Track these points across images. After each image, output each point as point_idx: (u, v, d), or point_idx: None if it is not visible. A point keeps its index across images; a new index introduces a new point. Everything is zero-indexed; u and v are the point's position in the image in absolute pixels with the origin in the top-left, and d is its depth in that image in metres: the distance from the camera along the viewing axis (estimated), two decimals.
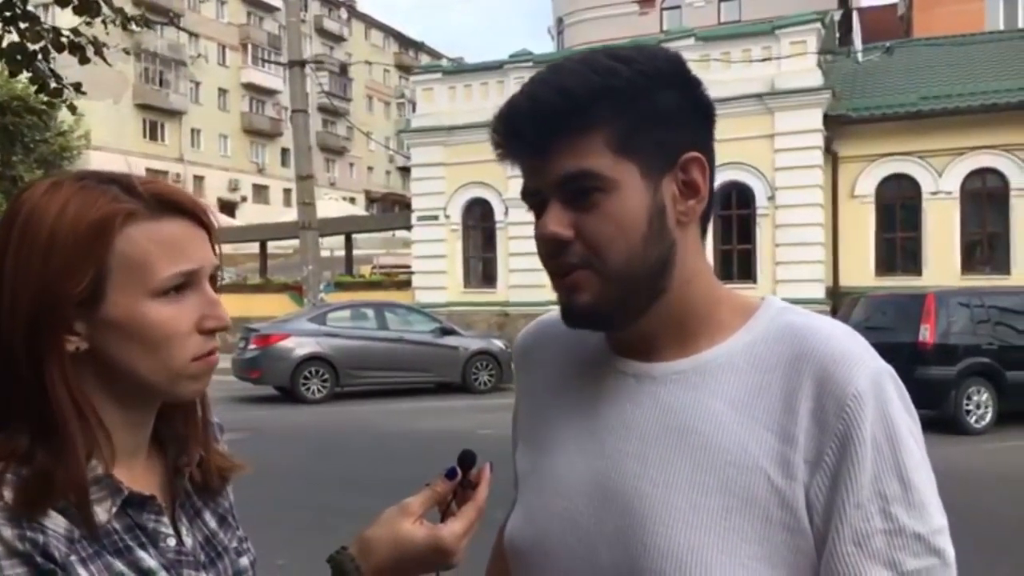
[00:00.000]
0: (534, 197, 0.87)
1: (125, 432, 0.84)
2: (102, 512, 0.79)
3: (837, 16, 22.86)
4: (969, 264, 16.85)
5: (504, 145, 0.87)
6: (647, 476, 0.85)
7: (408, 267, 21.97)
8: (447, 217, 20.19)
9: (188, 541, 0.87)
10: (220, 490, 0.95)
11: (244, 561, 0.94)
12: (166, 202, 0.83)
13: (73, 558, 0.76)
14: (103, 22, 4.59)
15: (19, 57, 4.07)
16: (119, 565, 0.78)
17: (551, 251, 0.85)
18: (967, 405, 9.42)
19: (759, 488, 0.81)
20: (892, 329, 9.48)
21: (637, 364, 0.91)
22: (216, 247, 0.87)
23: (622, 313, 0.87)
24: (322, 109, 47.61)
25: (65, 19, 5.17)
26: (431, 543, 0.87)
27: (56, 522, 0.76)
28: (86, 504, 0.77)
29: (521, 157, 0.87)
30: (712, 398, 0.85)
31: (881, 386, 0.81)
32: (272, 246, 26.27)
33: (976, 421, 9.45)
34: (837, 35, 22.30)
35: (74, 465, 0.77)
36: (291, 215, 25.04)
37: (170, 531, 0.85)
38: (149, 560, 0.81)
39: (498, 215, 19.67)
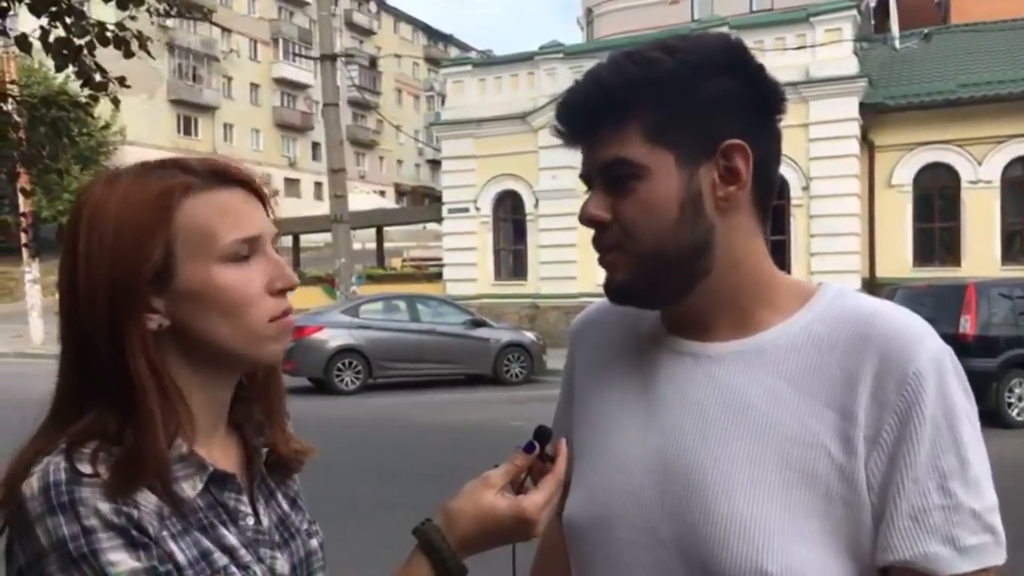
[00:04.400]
0: (586, 181, 0.93)
1: (206, 409, 0.86)
2: (189, 488, 0.81)
3: (873, 2, 22.46)
4: (1009, 254, 16.50)
5: (560, 134, 0.93)
6: (707, 450, 0.86)
7: (438, 259, 22.05)
8: (477, 209, 20.21)
9: (265, 521, 0.89)
10: (293, 472, 0.97)
11: (314, 543, 0.96)
12: (220, 174, 0.86)
13: (165, 533, 0.77)
14: (148, 11, 4.65)
15: (65, 52, 4.15)
16: (205, 542, 0.80)
17: (594, 232, 0.91)
18: (1009, 398, 9.25)
19: (820, 463, 0.82)
20: (931, 320, 8.93)
21: (693, 344, 0.92)
22: (271, 213, 0.90)
23: (657, 292, 0.90)
24: (352, 103, 47.83)
25: (100, 13, 5.24)
26: (514, 513, 0.88)
27: (148, 499, 0.78)
28: (168, 482, 0.79)
29: (574, 144, 0.93)
30: (770, 376, 0.86)
31: (942, 365, 0.82)
32: (304, 239, 26.53)
33: (1018, 414, 9.28)
34: (873, 22, 21.94)
35: (156, 443, 0.78)
36: (322, 208, 25.25)
37: (249, 510, 0.87)
38: (231, 538, 0.83)
39: (528, 207, 19.64)
